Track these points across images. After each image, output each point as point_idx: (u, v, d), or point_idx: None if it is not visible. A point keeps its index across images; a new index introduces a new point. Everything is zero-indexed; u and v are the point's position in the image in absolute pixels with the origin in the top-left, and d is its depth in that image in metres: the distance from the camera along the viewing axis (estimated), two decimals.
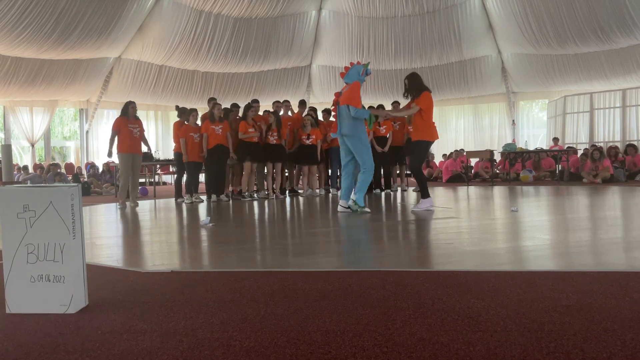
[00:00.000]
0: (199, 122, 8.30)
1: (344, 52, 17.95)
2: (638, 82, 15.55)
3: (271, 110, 8.76)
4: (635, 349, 1.43)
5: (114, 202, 8.91)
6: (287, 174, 9.19)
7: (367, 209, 5.35)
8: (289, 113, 9.25)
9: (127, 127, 7.42)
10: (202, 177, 9.17)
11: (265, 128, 8.25)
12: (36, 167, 14.26)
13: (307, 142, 8.56)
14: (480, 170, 13.48)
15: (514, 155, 12.60)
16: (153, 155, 9.27)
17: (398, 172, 9.65)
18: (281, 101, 9.21)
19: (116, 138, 7.46)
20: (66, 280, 1.95)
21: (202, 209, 6.77)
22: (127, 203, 7.60)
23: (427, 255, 3.00)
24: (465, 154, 13.56)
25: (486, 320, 1.71)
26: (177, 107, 8.52)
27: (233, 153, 8.06)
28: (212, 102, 8.38)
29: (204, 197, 8.32)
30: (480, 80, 18.34)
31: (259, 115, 8.73)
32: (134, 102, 7.67)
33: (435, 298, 1.99)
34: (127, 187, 7.53)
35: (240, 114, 8.51)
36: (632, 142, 13.32)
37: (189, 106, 9.30)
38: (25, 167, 13.88)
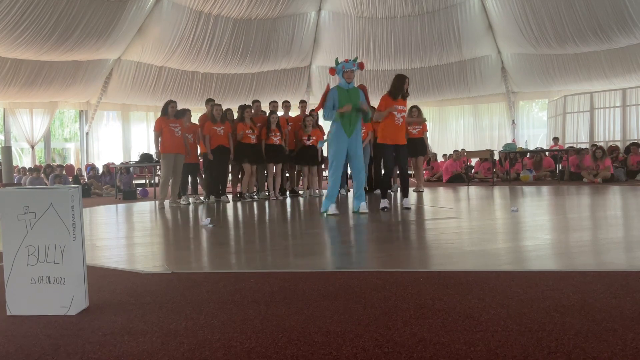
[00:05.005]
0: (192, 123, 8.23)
1: (344, 52, 17.92)
2: (638, 81, 15.55)
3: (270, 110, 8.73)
4: (636, 349, 1.43)
5: (114, 203, 8.92)
6: (287, 175, 9.18)
7: (334, 214, 5.29)
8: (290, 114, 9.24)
9: (169, 127, 7.25)
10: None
11: (259, 129, 8.22)
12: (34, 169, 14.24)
13: (308, 142, 8.55)
14: (479, 172, 13.46)
15: (514, 155, 12.59)
16: (154, 156, 9.22)
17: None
18: (281, 102, 9.19)
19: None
20: (66, 281, 1.94)
21: (202, 210, 6.77)
22: (166, 202, 7.56)
23: (428, 255, 3.00)
24: (465, 154, 13.56)
25: (487, 320, 1.71)
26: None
27: (233, 154, 8.07)
28: (211, 103, 8.36)
29: (202, 198, 8.32)
30: (480, 80, 18.34)
31: (260, 116, 8.72)
32: (174, 101, 7.51)
33: (436, 298, 1.99)
34: (167, 187, 7.41)
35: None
36: (635, 142, 13.30)
37: (188, 108, 9.21)
38: (30, 170, 13.85)
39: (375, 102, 5.94)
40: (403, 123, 5.64)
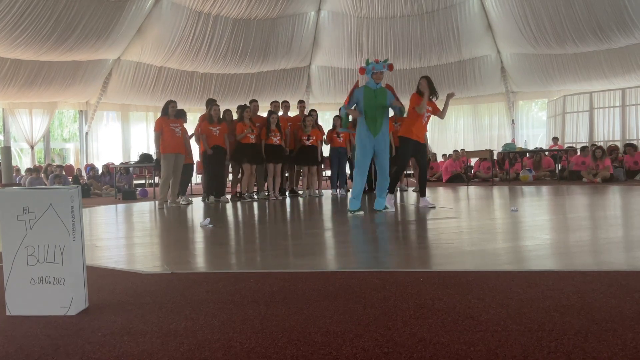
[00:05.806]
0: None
1: (343, 52, 17.95)
2: (637, 81, 15.55)
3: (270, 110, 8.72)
4: (636, 349, 1.43)
5: (113, 203, 8.91)
6: (287, 175, 9.18)
7: (361, 212, 5.35)
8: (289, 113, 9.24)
9: (169, 127, 7.27)
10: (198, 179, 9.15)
11: (259, 129, 8.23)
12: (33, 169, 14.21)
13: (307, 142, 8.56)
14: (479, 171, 13.47)
15: (514, 155, 12.59)
16: (153, 156, 9.22)
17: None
18: (280, 102, 9.19)
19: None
20: (66, 282, 1.94)
21: (202, 210, 6.77)
22: (166, 203, 7.57)
23: (428, 255, 3.00)
24: (465, 154, 13.57)
25: (487, 320, 1.71)
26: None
27: (229, 154, 8.07)
28: (212, 103, 8.37)
29: (192, 199, 8.31)
30: (480, 80, 18.34)
31: (259, 115, 8.72)
32: (174, 101, 7.55)
33: (436, 298, 1.99)
34: (167, 187, 7.42)
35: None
36: (630, 142, 13.32)
37: (188, 108, 9.24)
38: (30, 170, 13.81)
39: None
40: (426, 123, 5.94)
